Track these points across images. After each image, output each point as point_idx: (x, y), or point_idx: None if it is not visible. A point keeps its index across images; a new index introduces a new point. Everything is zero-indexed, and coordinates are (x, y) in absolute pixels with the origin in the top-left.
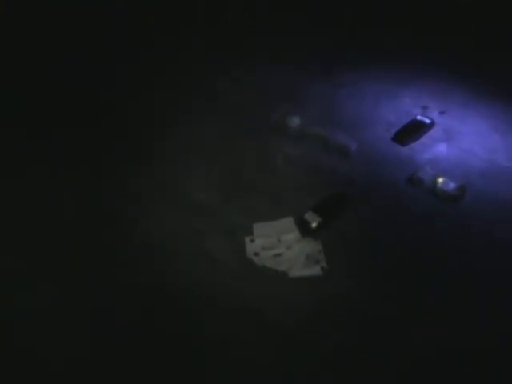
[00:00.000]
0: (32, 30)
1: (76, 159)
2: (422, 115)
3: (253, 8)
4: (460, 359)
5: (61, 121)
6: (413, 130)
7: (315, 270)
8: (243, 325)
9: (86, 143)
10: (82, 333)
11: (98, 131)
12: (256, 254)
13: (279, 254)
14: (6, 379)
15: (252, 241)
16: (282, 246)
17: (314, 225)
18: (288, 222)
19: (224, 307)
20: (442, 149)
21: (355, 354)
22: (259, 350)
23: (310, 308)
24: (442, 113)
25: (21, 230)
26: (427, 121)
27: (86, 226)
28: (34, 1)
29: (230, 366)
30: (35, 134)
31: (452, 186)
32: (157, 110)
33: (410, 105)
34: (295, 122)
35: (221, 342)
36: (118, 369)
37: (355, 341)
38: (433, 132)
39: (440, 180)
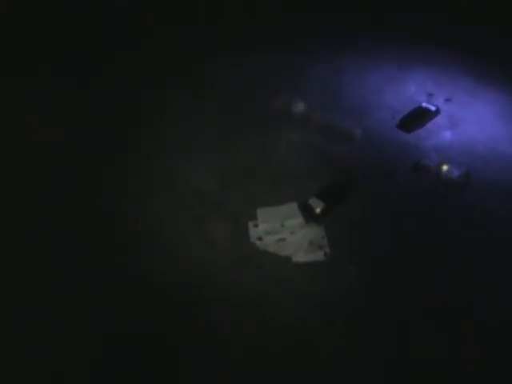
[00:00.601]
0: (32, 30)
1: (76, 159)
2: (427, 102)
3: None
4: (460, 358)
5: (61, 121)
6: (418, 117)
7: (318, 256)
8: (243, 325)
9: (86, 143)
10: (82, 333)
11: (98, 131)
12: (259, 239)
13: (283, 239)
14: (6, 379)
15: (256, 225)
16: (285, 231)
17: (317, 210)
18: (292, 207)
19: (225, 306)
20: (446, 136)
21: (355, 354)
22: (259, 349)
23: (311, 307)
24: (447, 100)
25: (21, 230)
26: (433, 108)
27: (86, 226)
28: (34, 1)
29: (230, 366)
30: (35, 134)
31: (456, 172)
32: (157, 110)
33: (414, 91)
34: (299, 108)
35: (220, 342)
36: (117, 369)
37: (355, 341)
38: (438, 119)
39: (445, 167)
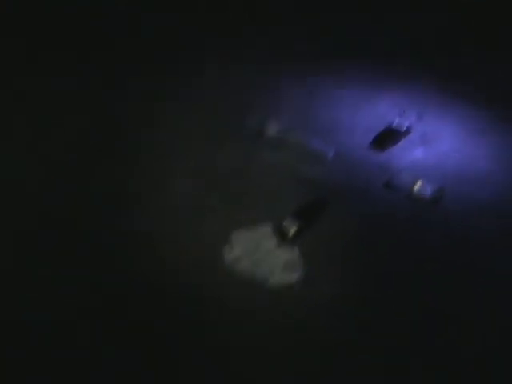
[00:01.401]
0: (32, 30)
1: (76, 159)
2: (399, 119)
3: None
4: (460, 359)
5: (60, 121)
6: (390, 135)
7: (294, 277)
8: (243, 325)
9: (87, 144)
10: (81, 333)
11: (99, 132)
12: (235, 262)
13: (258, 261)
14: (6, 379)
15: (231, 248)
16: (260, 253)
17: (291, 232)
18: (266, 229)
19: (225, 306)
20: (419, 153)
21: (355, 354)
22: (259, 349)
23: (310, 308)
24: (419, 116)
25: (21, 229)
26: (404, 125)
27: (86, 225)
28: (34, 1)
29: (230, 366)
30: (35, 134)
31: (429, 189)
32: (157, 110)
33: (386, 109)
34: (271, 128)
35: (220, 342)
36: (117, 369)
37: (355, 341)
38: (410, 136)
39: (417, 184)
